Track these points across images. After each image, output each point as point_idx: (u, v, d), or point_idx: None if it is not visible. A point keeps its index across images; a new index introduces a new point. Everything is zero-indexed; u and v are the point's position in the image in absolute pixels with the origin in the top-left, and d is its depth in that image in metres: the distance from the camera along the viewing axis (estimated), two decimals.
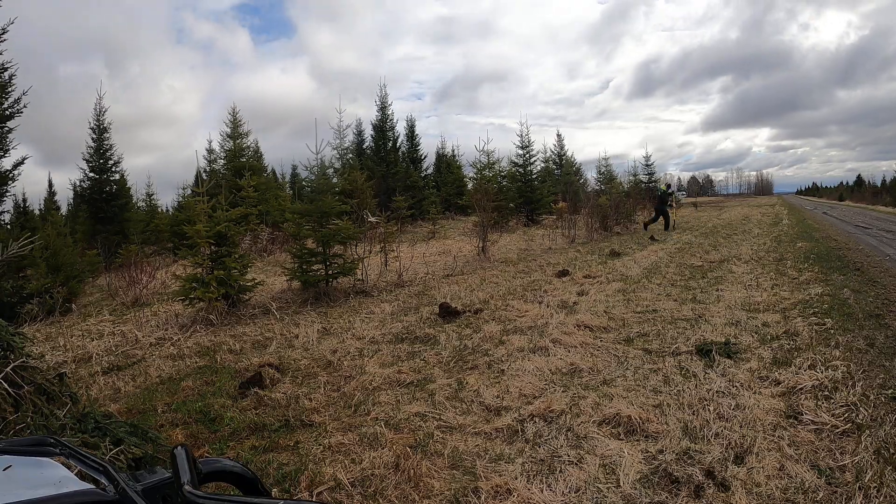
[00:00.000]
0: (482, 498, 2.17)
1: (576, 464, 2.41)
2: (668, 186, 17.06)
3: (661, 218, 15.46)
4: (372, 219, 10.22)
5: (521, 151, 21.12)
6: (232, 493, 0.68)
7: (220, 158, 18.93)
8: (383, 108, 21.78)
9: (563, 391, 3.29)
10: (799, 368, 3.40)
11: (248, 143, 19.22)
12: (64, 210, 21.57)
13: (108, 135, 15.36)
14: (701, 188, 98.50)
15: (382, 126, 21.76)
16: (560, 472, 2.34)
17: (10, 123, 9.33)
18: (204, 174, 9.40)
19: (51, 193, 22.32)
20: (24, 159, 9.81)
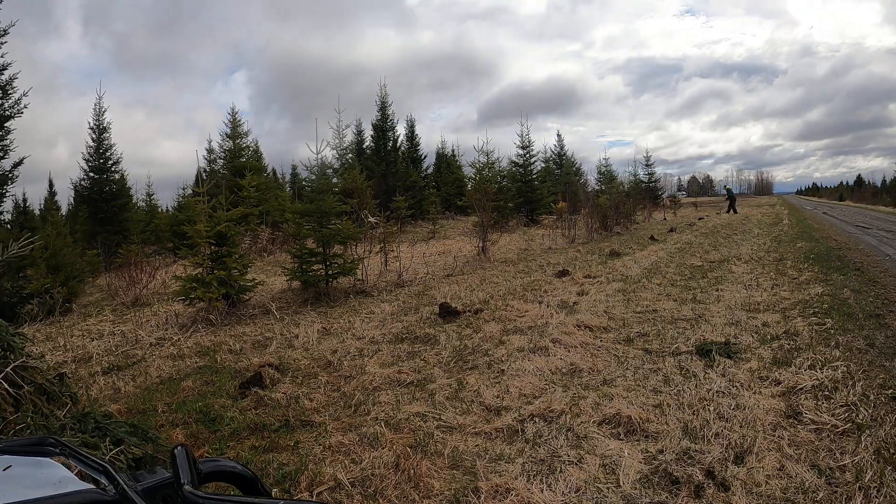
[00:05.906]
0: (482, 498, 2.17)
1: (576, 464, 2.41)
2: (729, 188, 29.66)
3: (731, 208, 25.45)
4: (372, 219, 10.20)
5: (521, 151, 21.15)
6: (232, 493, 0.68)
7: (220, 158, 18.96)
8: (383, 107, 21.78)
9: (563, 391, 3.29)
10: (799, 368, 3.40)
11: (248, 143, 19.26)
12: (64, 210, 21.56)
13: (107, 135, 15.37)
14: (701, 188, 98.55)
15: (382, 126, 21.76)
16: (560, 471, 2.34)
17: (7, 124, 9.33)
18: (204, 174, 9.38)
19: (51, 193, 22.30)
20: (22, 160, 9.80)
